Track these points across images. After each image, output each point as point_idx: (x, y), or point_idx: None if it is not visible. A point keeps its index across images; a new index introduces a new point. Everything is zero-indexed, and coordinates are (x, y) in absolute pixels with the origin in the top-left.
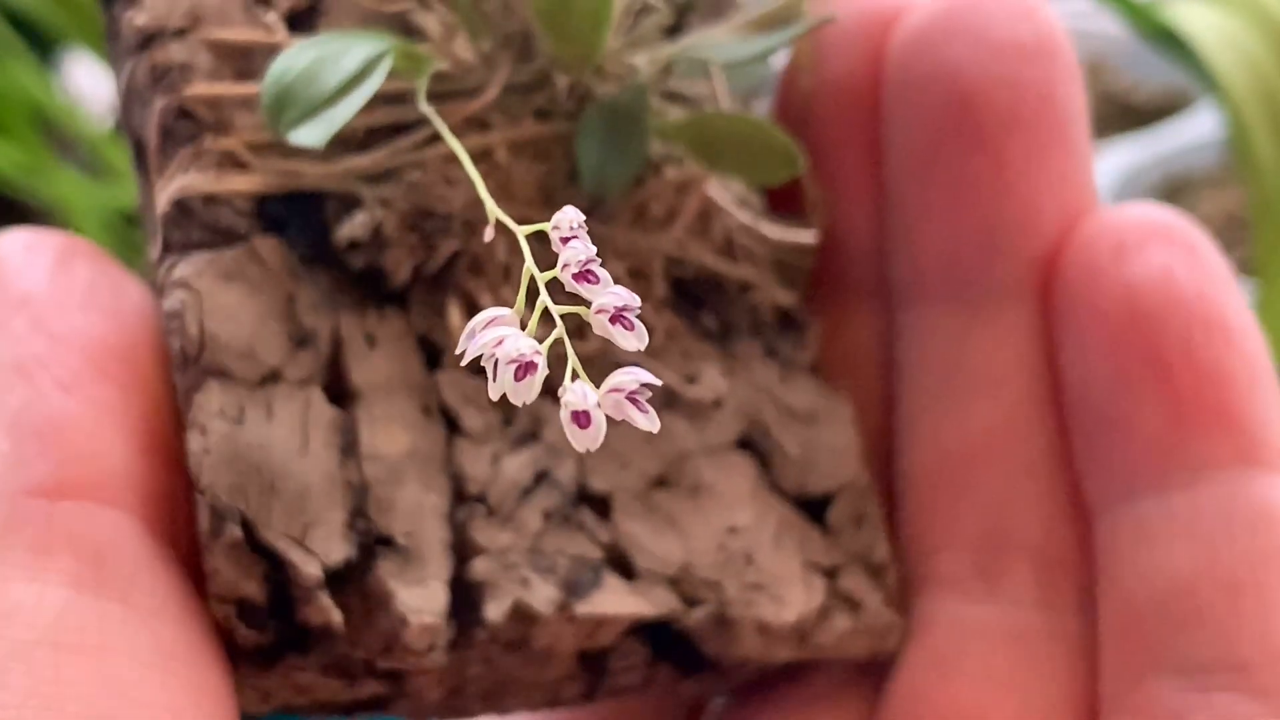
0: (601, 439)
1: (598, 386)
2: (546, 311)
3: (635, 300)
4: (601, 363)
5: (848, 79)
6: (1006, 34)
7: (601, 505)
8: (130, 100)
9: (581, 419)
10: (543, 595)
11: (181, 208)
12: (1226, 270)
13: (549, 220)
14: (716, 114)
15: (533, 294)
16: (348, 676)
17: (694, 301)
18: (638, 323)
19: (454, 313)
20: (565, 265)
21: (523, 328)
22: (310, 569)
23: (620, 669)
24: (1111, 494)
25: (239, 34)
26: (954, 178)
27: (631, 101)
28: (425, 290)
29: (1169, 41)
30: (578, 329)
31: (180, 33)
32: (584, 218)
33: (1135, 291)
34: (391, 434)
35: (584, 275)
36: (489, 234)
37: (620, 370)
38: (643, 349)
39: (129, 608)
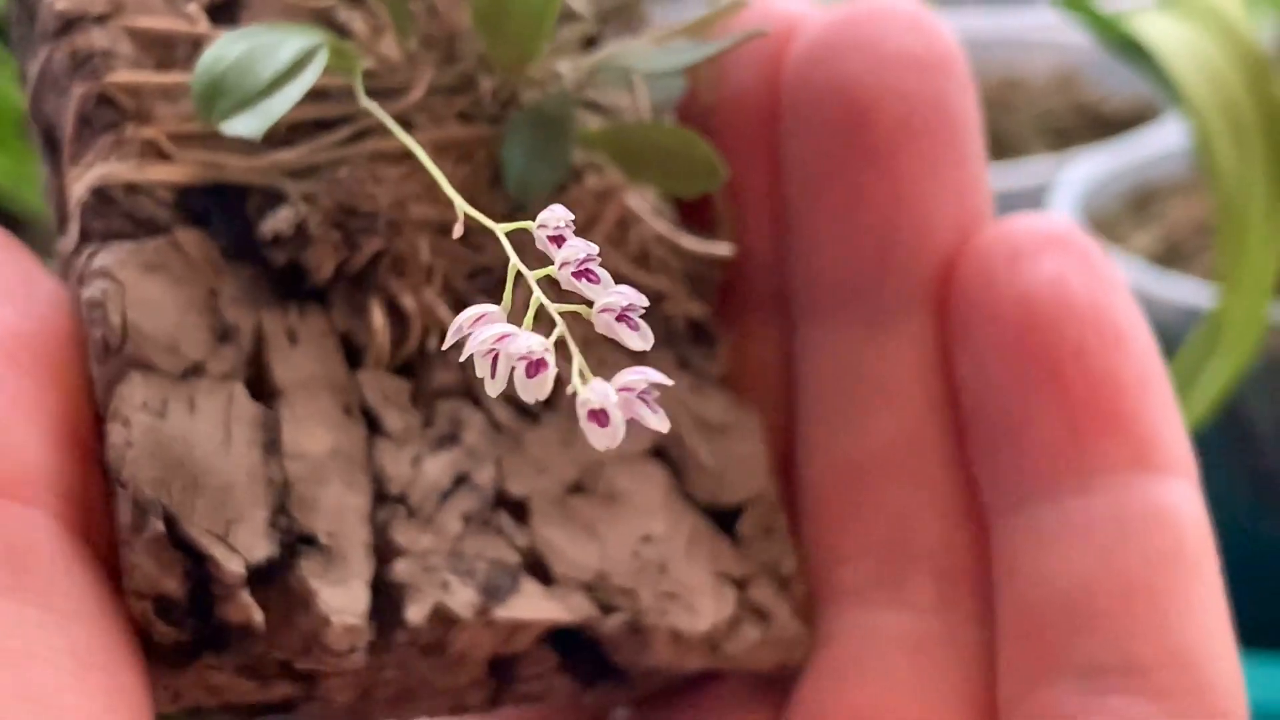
0: (621, 437)
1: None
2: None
3: (641, 299)
4: None
5: (747, 92)
6: (899, 47)
7: (519, 510)
8: (43, 86)
9: (600, 418)
10: (462, 599)
11: (101, 196)
12: (1119, 277)
13: (472, 219)
14: (639, 123)
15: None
16: (261, 677)
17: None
18: (641, 322)
19: (376, 313)
20: (564, 263)
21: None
22: (233, 566)
23: (528, 676)
24: (1008, 501)
25: (161, 22)
26: (849, 191)
27: (557, 108)
28: (347, 289)
29: (1134, 53)
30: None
31: (101, 19)
32: (571, 216)
33: (1030, 299)
34: (313, 433)
35: (583, 273)
36: (458, 230)
37: (629, 370)
38: (648, 348)
39: (47, 612)
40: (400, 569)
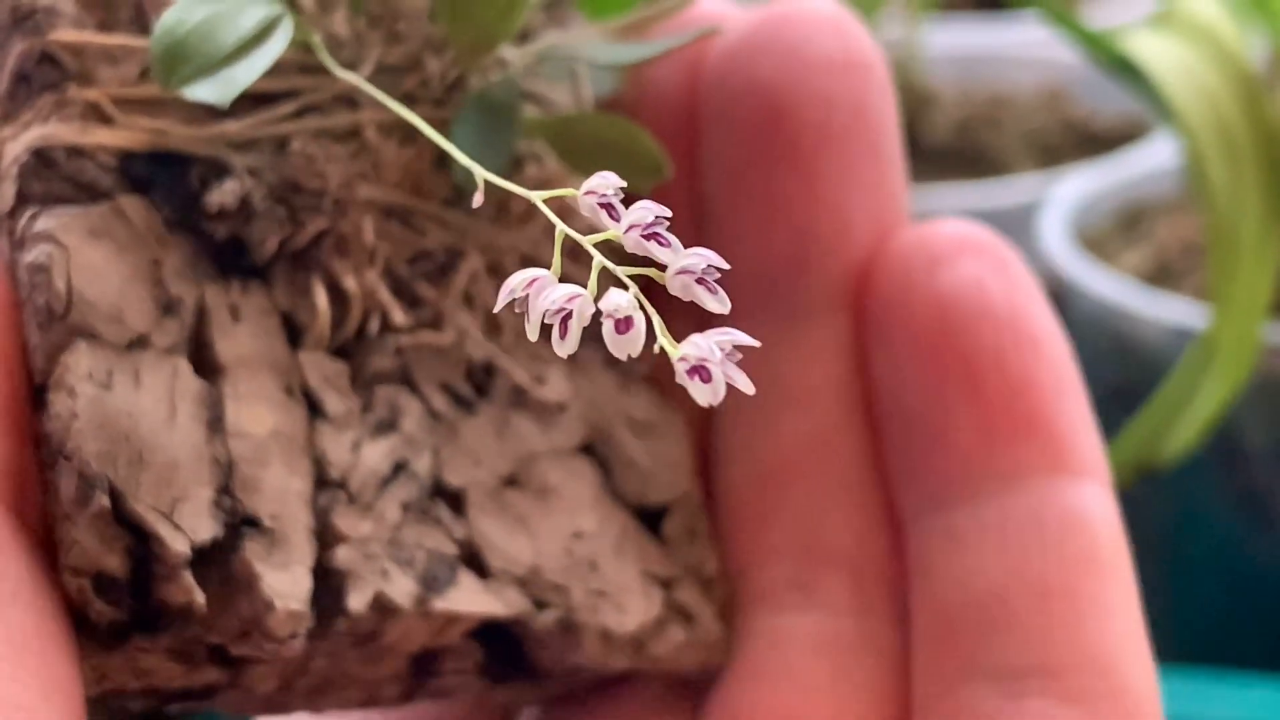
0: (723, 394)
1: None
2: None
3: (720, 261)
4: (456, 354)
5: (668, 90)
6: (818, 49)
7: (456, 501)
8: None
9: (702, 373)
10: (402, 588)
11: (42, 158)
12: (1034, 283)
13: (416, 202)
14: (584, 115)
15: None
16: (190, 662)
17: None
18: (717, 286)
19: (320, 294)
20: (632, 225)
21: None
22: (178, 546)
23: (448, 671)
24: (924, 504)
25: None
26: (766, 192)
27: (504, 95)
28: (288, 267)
29: (1125, 71)
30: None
31: None
32: (622, 183)
33: (947, 303)
34: (256, 412)
35: (652, 235)
36: (478, 199)
37: (715, 330)
38: (726, 311)
39: None
40: (341, 555)
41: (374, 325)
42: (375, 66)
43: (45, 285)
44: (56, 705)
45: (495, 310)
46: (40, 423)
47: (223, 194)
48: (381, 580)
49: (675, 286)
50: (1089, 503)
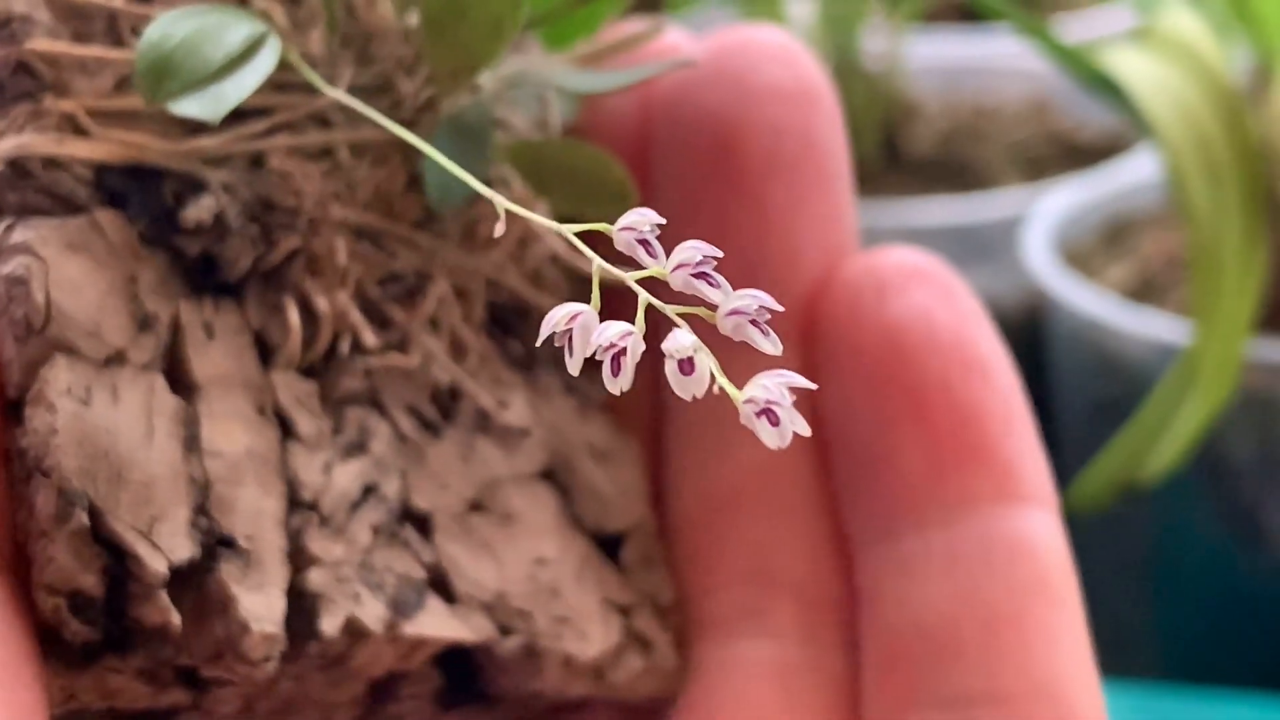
0: (790, 438)
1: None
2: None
3: (772, 303)
4: (422, 377)
5: (619, 117)
6: (768, 79)
7: (423, 525)
8: None
9: (771, 417)
10: (373, 612)
11: (17, 168)
12: (981, 311)
13: (387, 224)
14: (554, 141)
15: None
16: (158, 683)
17: (504, 328)
18: (769, 328)
19: (293, 313)
20: (681, 265)
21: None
22: (157, 565)
23: (407, 695)
24: (873, 531)
25: None
26: (716, 219)
27: (478, 118)
28: (260, 285)
29: (1104, 86)
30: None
31: None
32: (661, 220)
33: (896, 331)
34: (230, 431)
35: (701, 275)
36: (500, 229)
37: (771, 372)
38: (779, 353)
39: None
40: (314, 578)
41: (345, 346)
42: (348, 86)
43: (24, 298)
44: None
45: (537, 344)
46: (15, 438)
47: (199, 210)
48: (353, 604)
49: (727, 327)
50: (1037, 530)
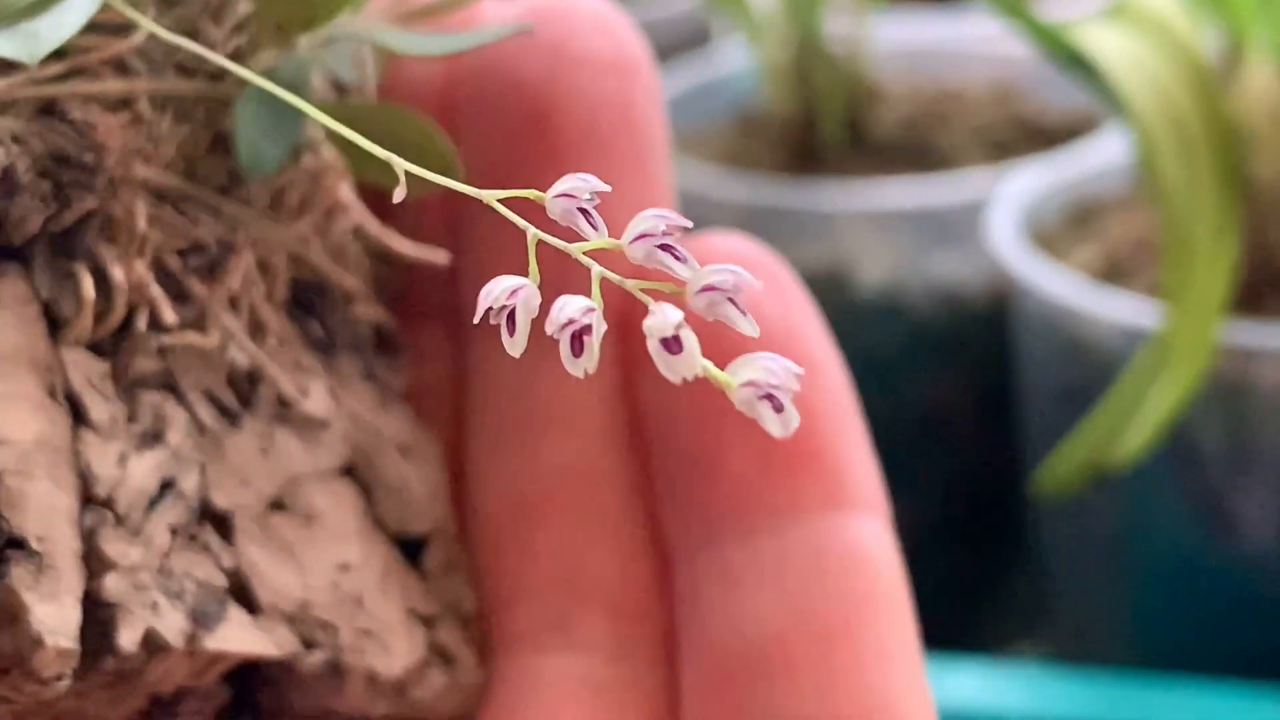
0: (795, 426)
1: None
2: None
3: (752, 280)
4: (220, 359)
5: (422, 84)
6: (584, 47)
7: (223, 525)
8: None
9: (775, 403)
10: (173, 624)
11: None
12: (810, 305)
13: (190, 187)
14: (374, 105)
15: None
16: None
17: (303, 306)
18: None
19: (87, 283)
20: (642, 235)
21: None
22: None
23: (186, 713)
24: (695, 538)
25: None
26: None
27: (294, 75)
28: (49, 250)
29: (1078, 65)
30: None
31: None
32: (605, 187)
33: (719, 325)
34: (19, 416)
35: (666, 247)
36: (400, 194)
37: (764, 354)
38: (757, 335)
39: None
40: (110, 585)
41: (141, 322)
42: (147, 32)
43: None
44: None
45: (474, 321)
46: None
47: None
48: (151, 615)
49: (699, 305)
50: (869, 539)
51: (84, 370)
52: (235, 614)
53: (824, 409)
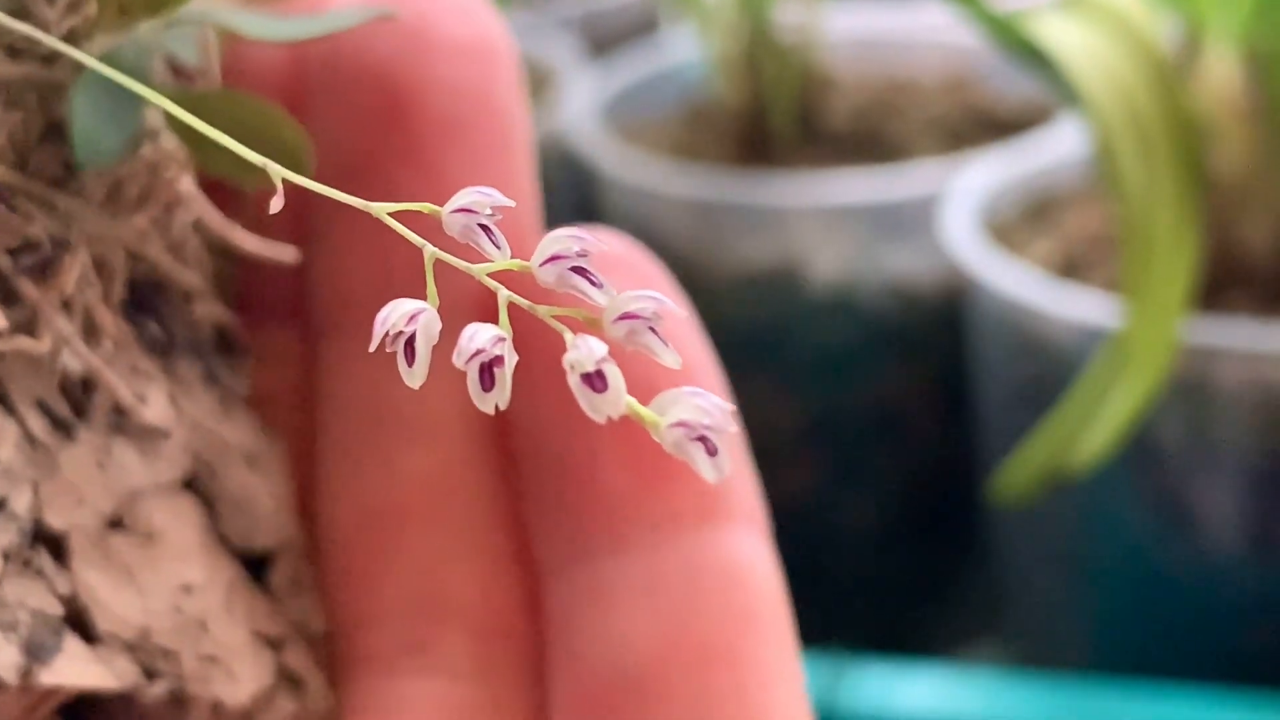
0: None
1: None
2: None
3: (675, 307)
4: (52, 366)
5: (266, 67)
6: (445, 33)
7: (57, 547)
8: None
9: (708, 445)
10: (6, 659)
11: None
12: (685, 309)
13: (20, 180)
14: (220, 92)
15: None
16: None
17: (140, 307)
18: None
19: None
20: (555, 256)
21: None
22: None
23: None
24: (565, 554)
25: None
26: (385, 189)
27: (135, 60)
28: None
29: (1033, 57)
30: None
31: None
32: (508, 202)
33: None
34: None
35: (580, 270)
36: (278, 203)
37: (687, 389)
38: (679, 368)
39: None
40: None
41: None
42: None
43: None
44: None
45: (370, 349)
46: None
47: None
48: None
49: (618, 334)
50: (747, 554)
51: None
52: (72, 645)
53: None
